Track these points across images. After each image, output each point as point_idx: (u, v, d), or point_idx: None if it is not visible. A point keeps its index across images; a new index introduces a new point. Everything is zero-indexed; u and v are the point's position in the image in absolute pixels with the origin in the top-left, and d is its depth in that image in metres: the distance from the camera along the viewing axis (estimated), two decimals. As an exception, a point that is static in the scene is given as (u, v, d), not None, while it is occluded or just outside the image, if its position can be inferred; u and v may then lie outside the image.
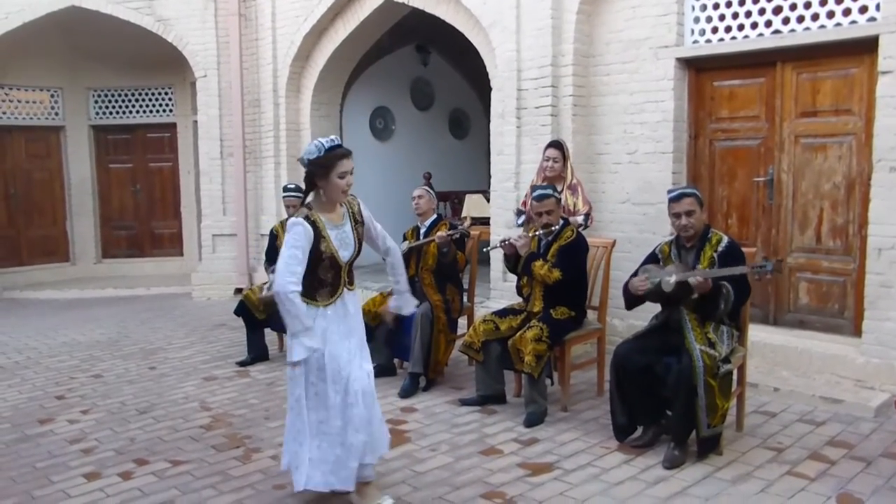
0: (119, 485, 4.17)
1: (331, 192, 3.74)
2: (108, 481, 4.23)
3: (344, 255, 3.78)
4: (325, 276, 3.76)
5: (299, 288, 3.58)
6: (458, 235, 5.97)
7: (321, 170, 3.68)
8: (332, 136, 3.75)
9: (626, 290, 4.66)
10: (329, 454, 3.74)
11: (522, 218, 6.27)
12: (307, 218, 3.68)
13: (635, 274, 4.68)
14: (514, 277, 5.70)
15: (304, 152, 3.71)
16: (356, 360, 3.81)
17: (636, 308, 4.76)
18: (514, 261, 5.37)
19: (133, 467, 4.42)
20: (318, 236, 3.68)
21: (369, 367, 3.89)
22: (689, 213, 4.40)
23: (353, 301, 3.92)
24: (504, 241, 5.41)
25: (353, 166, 3.74)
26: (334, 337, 3.76)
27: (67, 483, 4.21)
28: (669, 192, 4.57)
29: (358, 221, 3.90)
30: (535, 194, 5.32)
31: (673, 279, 4.35)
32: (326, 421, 3.75)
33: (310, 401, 3.77)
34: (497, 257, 7.33)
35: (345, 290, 3.83)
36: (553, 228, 5.26)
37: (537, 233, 5.30)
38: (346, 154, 3.71)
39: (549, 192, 5.29)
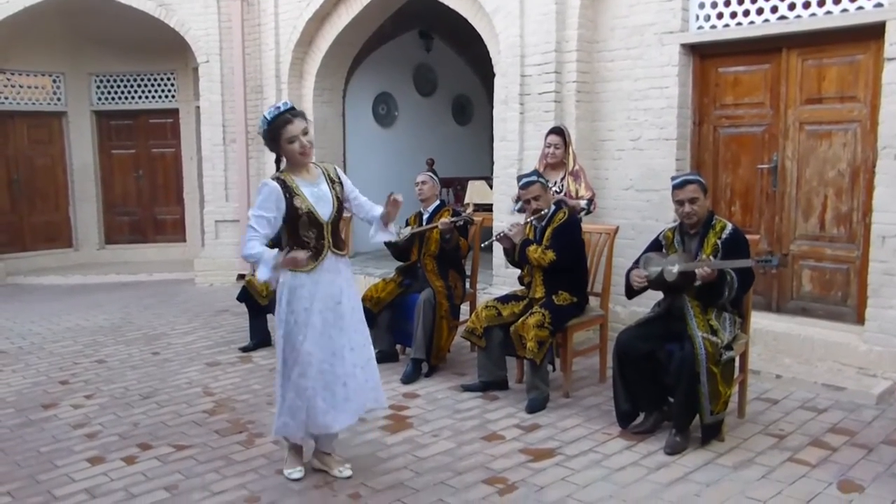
0: (123, 469, 4.19)
1: (290, 158, 3.81)
2: (112, 466, 4.24)
3: (323, 211, 3.83)
4: (307, 236, 3.82)
5: (258, 240, 3.70)
6: (461, 222, 5.96)
7: (271, 142, 3.76)
8: (282, 102, 3.80)
9: (628, 279, 4.67)
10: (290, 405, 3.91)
11: (520, 205, 6.26)
12: (277, 178, 3.77)
13: (637, 261, 4.68)
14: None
15: (258, 126, 3.78)
16: (331, 332, 3.87)
17: (638, 296, 4.77)
18: (513, 253, 5.38)
19: (137, 452, 4.44)
20: (291, 194, 3.74)
21: (360, 337, 3.99)
22: (692, 200, 4.39)
23: (342, 267, 3.96)
24: (499, 234, 5.42)
25: (306, 125, 3.75)
26: (318, 304, 3.84)
27: (71, 467, 4.23)
28: (673, 178, 4.57)
29: (335, 181, 3.96)
30: (520, 183, 5.35)
31: (676, 269, 4.34)
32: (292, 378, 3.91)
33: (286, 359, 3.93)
34: (499, 244, 7.31)
35: (329, 252, 3.87)
36: (544, 213, 5.27)
37: (530, 219, 5.31)
38: (289, 119, 3.72)
39: (534, 178, 5.31)
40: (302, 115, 3.76)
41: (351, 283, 4.01)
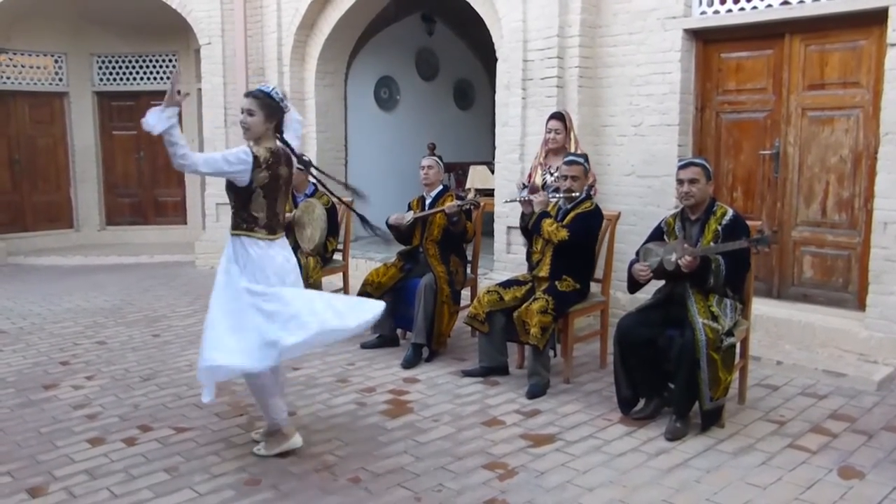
0: (123, 450, 4.20)
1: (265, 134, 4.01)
2: (113, 447, 4.25)
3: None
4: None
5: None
6: (468, 206, 5.96)
7: (281, 112, 4.01)
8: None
9: (630, 273, 4.67)
10: None
11: (525, 192, 6.24)
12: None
13: (637, 253, 4.68)
14: (518, 249, 5.69)
15: (274, 89, 3.98)
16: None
17: (641, 289, 4.77)
18: (527, 219, 5.38)
19: (137, 433, 4.45)
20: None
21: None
22: (692, 181, 4.39)
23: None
24: (524, 197, 5.43)
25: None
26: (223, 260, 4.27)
27: (72, 448, 4.24)
28: (680, 160, 4.57)
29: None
30: (566, 158, 5.39)
31: (673, 258, 4.35)
32: None
33: None
34: (501, 229, 7.32)
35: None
36: (575, 195, 5.28)
37: (559, 196, 5.31)
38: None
39: (581, 160, 5.34)
40: None
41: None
